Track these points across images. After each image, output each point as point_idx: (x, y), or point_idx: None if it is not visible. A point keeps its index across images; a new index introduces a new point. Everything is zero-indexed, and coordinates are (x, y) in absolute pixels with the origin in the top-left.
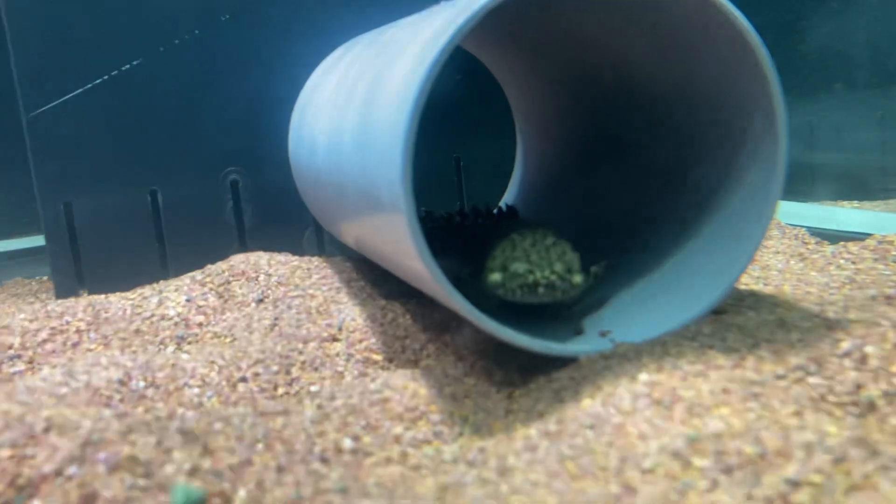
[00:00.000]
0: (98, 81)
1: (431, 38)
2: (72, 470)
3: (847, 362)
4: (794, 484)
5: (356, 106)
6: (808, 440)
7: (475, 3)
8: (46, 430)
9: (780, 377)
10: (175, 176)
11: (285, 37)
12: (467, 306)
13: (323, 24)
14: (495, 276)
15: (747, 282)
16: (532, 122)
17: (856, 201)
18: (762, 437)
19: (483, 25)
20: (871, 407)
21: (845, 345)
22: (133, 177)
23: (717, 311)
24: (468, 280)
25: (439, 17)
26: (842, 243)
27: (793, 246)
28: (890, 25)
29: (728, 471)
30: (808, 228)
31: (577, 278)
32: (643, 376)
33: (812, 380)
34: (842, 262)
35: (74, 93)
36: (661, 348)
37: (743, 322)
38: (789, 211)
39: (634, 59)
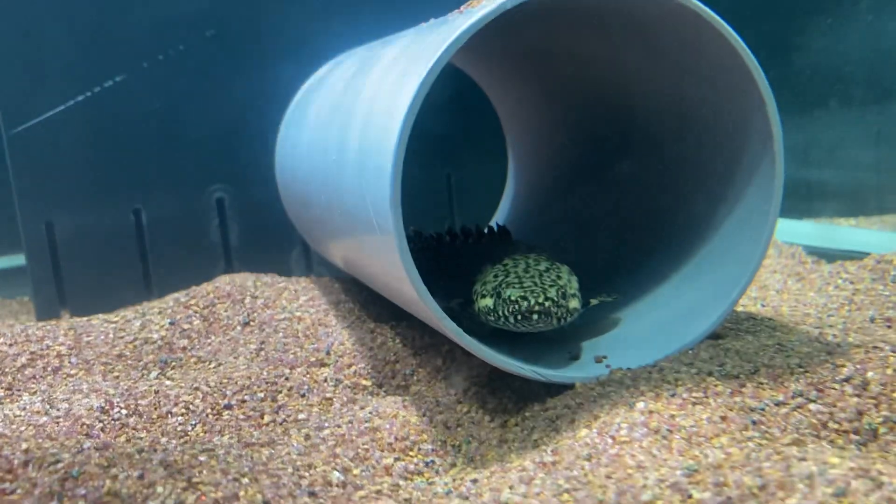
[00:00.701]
0: (81, 98)
1: (420, 59)
2: None
3: (848, 388)
4: None
5: (344, 125)
6: (810, 471)
7: (462, 25)
8: (25, 463)
9: (779, 404)
10: (159, 194)
11: (271, 53)
12: (458, 331)
13: (309, 40)
14: (487, 302)
15: (745, 303)
16: (523, 140)
17: (852, 219)
18: (762, 468)
19: (473, 42)
20: (874, 435)
21: (846, 370)
22: (116, 195)
23: (716, 336)
24: (457, 305)
25: (428, 38)
26: (839, 262)
27: (790, 265)
28: (884, 42)
29: None
30: (805, 247)
31: (574, 303)
32: (640, 404)
33: (813, 406)
34: (840, 281)
35: (57, 109)
36: (658, 375)
37: (741, 347)
38: (785, 229)
39: (628, 79)
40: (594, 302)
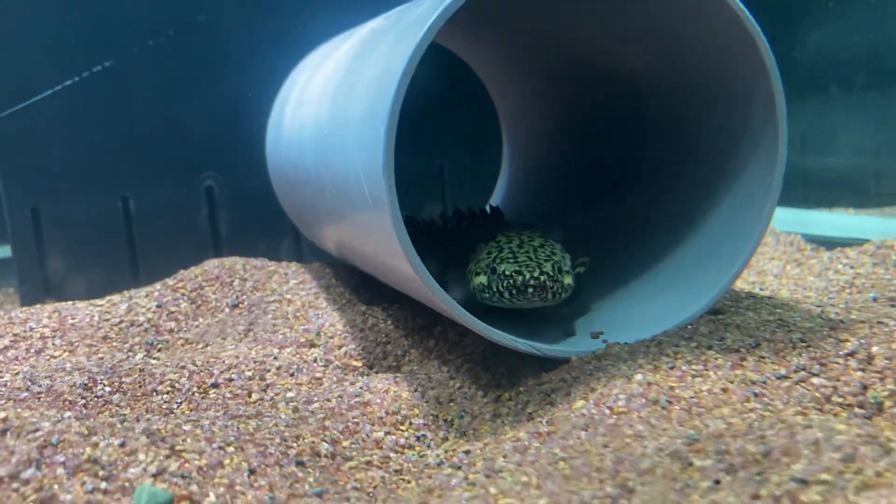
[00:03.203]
0: (69, 83)
1: (417, 21)
2: (29, 473)
3: (852, 362)
4: (803, 482)
5: (335, 97)
6: (816, 437)
7: None
8: (3, 432)
9: (782, 378)
10: (148, 181)
11: (262, 38)
12: (454, 305)
13: (300, 25)
14: (481, 279)
15: (742, 286)
16: (519, 126)
17: (851, 207)
18: (766, 436)
19: (470, 24)
20: (879, 408)
21: (850, 345)
22: (104, 182)
23: (715, 312)
24: (451, 285)
25: (421, 7)
26: (839, 249)
27: (788, 252)
28: (883, 29)
29: (731, 470)
30: (803, 235)
31: (568, 280)
32: (638, 376)
33: (816, 380)
34: (840, 266)
35: (44, 94)
36: (656, 348)
37: (742, 322)
38: (783, 217)
39: (627, 53)
40: (580, 270)
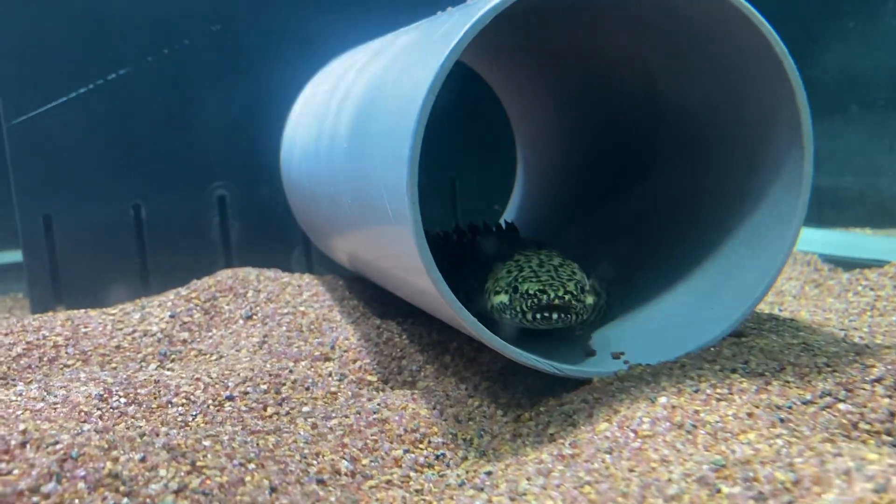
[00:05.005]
0: (83, 90)
1: (444, 37)
2: (50, 487)
3: (879, 389)
4: None
5: (356, 114)
6: (847, 467)
7: (486, 5)
8: (23, 444)
9: (807, 403)
10: (160, 190)
11: (277, 48)
12: (479, 326)
13: (315, 35)
14: (501, 298)
15: (762, 307)
16: (535, 140)
17: (867, 228)
18: (795, 463)
19: (488, 39)
20: None
21: (876, 371)
22: (116, 190)
23: (738, 334)
24: (465, 303)
25: (448, 22)
26: (858, 270)
27: (806, 272)
28: None
29: (761, 498)
30: (820, 255)
31: (589, 300)
32: (662, 399)
33: (842, 406)
34: (860, 288)
35: (58, 101)
36: (679, 371)
37: (766, 345)
38: (800, 237)
39: (650, 69)
40: (593, 282)
